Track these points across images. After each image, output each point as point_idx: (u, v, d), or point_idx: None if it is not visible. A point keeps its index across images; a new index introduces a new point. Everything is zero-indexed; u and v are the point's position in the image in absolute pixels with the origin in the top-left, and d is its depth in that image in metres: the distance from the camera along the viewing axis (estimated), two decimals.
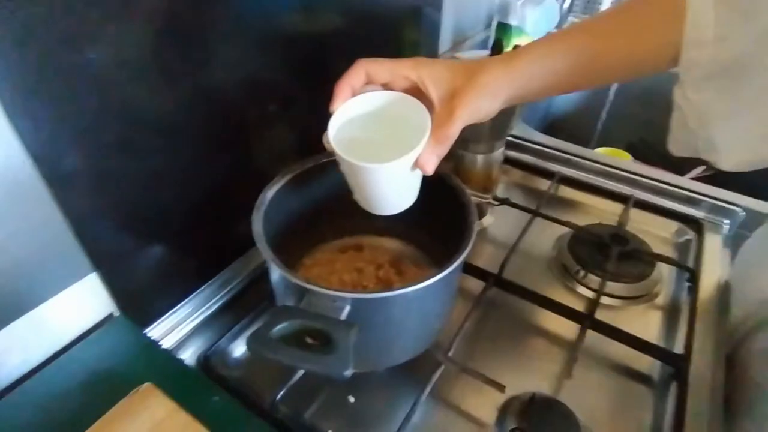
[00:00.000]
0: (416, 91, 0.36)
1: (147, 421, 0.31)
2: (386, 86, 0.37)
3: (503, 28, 0.81)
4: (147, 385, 0.33)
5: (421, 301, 0.38)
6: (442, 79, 0.35)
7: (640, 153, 1.13)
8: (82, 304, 0.39)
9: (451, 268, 0.36)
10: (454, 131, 0.35)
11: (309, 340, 0.34)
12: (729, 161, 0.35)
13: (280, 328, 0.32)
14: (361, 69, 0.36)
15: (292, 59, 0.51)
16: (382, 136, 0.38)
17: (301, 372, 0.44)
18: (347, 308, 0.34)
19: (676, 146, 0.37)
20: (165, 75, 0.38)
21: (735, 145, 0.34)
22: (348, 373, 0.30)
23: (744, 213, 0.64)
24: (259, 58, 0.47)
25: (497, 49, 0.55)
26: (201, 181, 0.46)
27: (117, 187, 0.38)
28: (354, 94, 0.37)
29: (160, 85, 0.39)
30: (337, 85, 0.36)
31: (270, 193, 0.43)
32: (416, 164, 0.35)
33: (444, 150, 0.35)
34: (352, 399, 0.45)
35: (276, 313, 0.33)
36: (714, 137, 0.34)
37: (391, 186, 0.38)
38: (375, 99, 0.37)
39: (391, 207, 0.40)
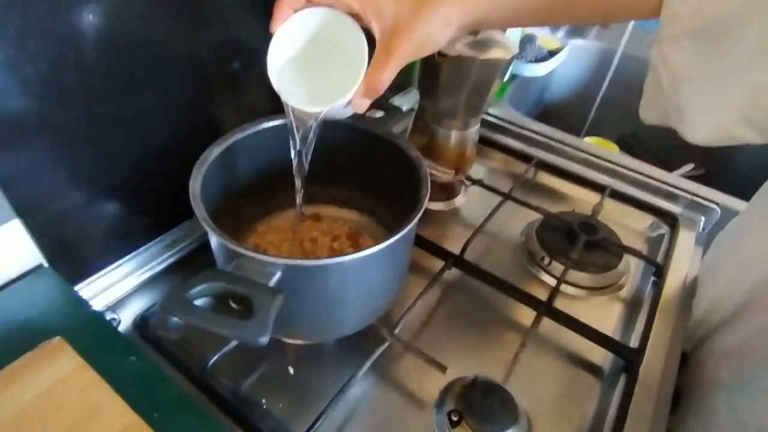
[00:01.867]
0: (360, 21, 0.34)
1: (51, 374, 0.30)
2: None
3: None
4: (57, 339, 0.31)
5: (359, 272, 0.36)
6: (386, 13, 0.33)
7: (630, 147, 1.11)
8: (4, 252, 0.37)
9: (391, 241, 0.34)
10: (386, 78, 0.33)
11: (234, 306, 0.32)
12: (696, 133, 0.33)
13: (199, 289, 0.30)
14: None
15: (265, 18, 0.48)
16: (321, 60, 0.38)
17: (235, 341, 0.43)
18: (278, 274, 0.33)
19: (647, 111, 0.36)
20: (118, 15, 0.36)
21: (704, 116, 0.32)
22: (264, 340, 0.28)
23: (720, 211, 0.63)
24: (226, 12, 0.44)
25: None
26: (151, 134, 0.44)
27: (46, 132, 0.36)
28: None
29: (113, 25, 0.36)
30: (276, 4, 0.34)
31: (217, 149, 0.41)
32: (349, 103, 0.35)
33: (376, 95, 0.34)
34: (292, 370, 0.44)
35: (200, 274, 0.31)
36: (685, 104, 0.33)
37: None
38: (314, 17, 0.36)
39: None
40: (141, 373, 0.32)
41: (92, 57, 0.36)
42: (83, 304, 0.38)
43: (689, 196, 0.65)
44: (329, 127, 0.48)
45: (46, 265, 0.39)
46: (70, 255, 0.41)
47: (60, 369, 0.30)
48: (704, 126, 0.33)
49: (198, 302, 0.31)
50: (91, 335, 0.34)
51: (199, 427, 0.31)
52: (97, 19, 0.35)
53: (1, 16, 0.30)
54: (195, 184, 0.37)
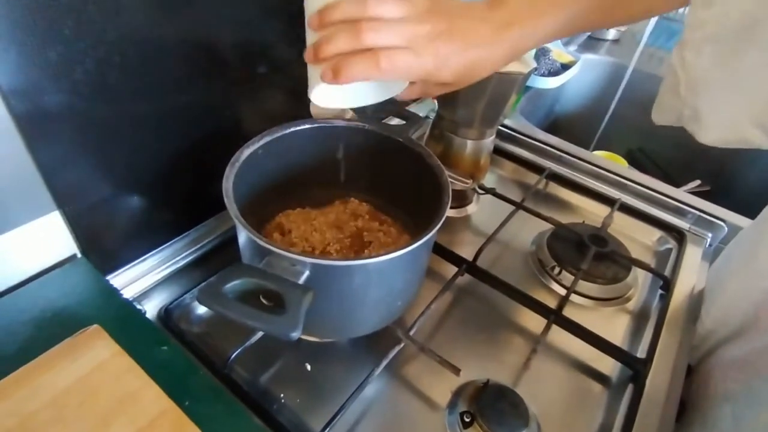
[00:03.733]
0: None
1: (89, 361, 0.31)
2: None
3: None
4: (95, 326, 0.33)
5: (382, 274, 0.38)
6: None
7: (638, 162, 1.13)
8: (43, 241, 0.38)
9: (414, 245, 0.35)
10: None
11: (264, 301, 0.34)
12: (709, 135, 0.34)
13: (233, 284, 0.32)
14: None
15: (293, 26, 0.50)
16: None
17: (258, 335, 0.44)
18: (306, 273, 0.34)
19: (660, 113, 0.38)
20: (152, 18, 0.37)
21: (720, 119, 0.34)
22: (295, 335, 0.30)
23: (727, 228, 0.64)
24: (255, 18, 0.46)
25: None
26: (182, 134, 0.45)
27: (88, 130, 0.37)
28: None
29: (146, 29, 0.37)
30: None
31: (247, 151, 0.43)
32: None
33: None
34: (309, 367, 0.45)
35: (233, 269, 0.33)
36: (701, 107, 0.34)
37: None
38: None
39: None
40: (172, 362, 0.34)
41: (133, 59, 0.37)
42: (116, 293, 0.39)
43: (697, 213, 0.66)
44: (351, 133, 0.50)
45: (79, 255, 0.41)
46: (101, 247, 0.43)
47: (97, 355, 0.31)
48: (718, 128, 0.34)
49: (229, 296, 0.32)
50: (125, 324, 0.35)
51: (227, 416, 0.32)
52: (139, 23, 0.37)
53: (58, 18, 0.31)
54: (228, 184, 0.38)
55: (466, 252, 0.56)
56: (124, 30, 0.36)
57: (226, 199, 0.37)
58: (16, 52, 0.31)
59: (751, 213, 0.67)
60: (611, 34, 1.22)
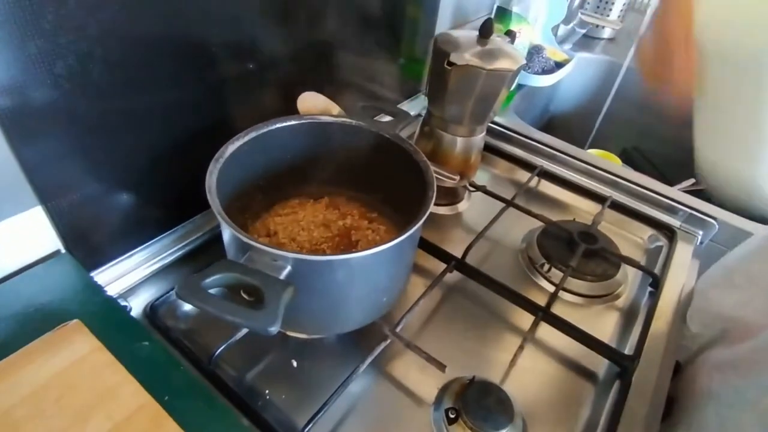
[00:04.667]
0: None
1: (68, 356, 0.31)
2: None
3: (503, 13, 0.79)
4: (75, 321, 0.33)
5: (366, 269, 0.38)
6: None
7: (633, 160, 1.12)
8: (25, 236, 0.38)
9: (396, 240, 0.35)
10: None
11: (245, 296, 0.34)
12: None
13: (213, 278, 0.32)
14: None
15: (282, 23, 0.50)
16: None
17: (243, 332, 0.44)
18: (288, 268, 0.34)
19: None
20: (135, 12, 0.37)
21: None
22: (273, 329, 0.30)
23: (718, 226, 0.64)
24: (245, 16, 0.46)
25: (485, 28, 0.54)
26: (168, 129, 0.45)
27: (71, 125, 0.37)
28: None
29: (130, 23, 0.37)
30: None
31: (232, 147, 0.43)
32: None
33: None
34: (295, 363, 0.45)
35: (214, 265, 0.33)
36: None
37: None
38: None
39: None
40: (153, 357, 0.34)
41: (116, 53, 0.37)
42: (99, 289, 0.39)
43: (688, 210, 0.66)
44: (340, 129, 0.49)
45: (63, 251, 0.41)
46: (86, 243, 0.43)
47: (77, 350, 0.31)
48: None
49: (211, 291, 0.32)
50: (107, 320, 0.35)
51: (208, 412, 0.32)
52: (122, 17, 0.36)
53: (37, 11, 0.31)
54: (211, 179, 0.38)
55: (456, 249, 0.56)
56: (106, 24, 0.36)
57: (208, 195, 0.37)
58: None
59: (744, 212, 0.67)
60: (606, 32, 1.22)
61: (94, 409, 0.29)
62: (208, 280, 0.31)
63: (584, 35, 1.22)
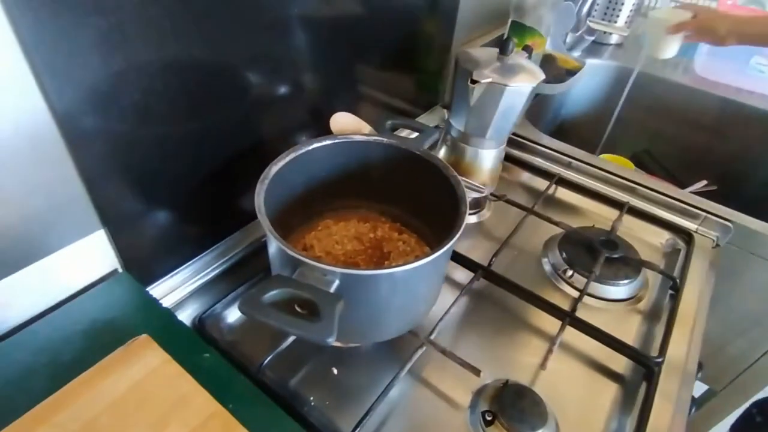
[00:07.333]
0: None
1: (141, 369, 0.33)
2: None
3: (517, 27, 0.81)
4: (144, 336, 0.35)
5: (407, 282, 0.40)
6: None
7: (645, 164, 1.14)
8: (89, 258, 0.41)
9: (436, 254, 0.38)
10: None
11: (298, 309, 0.36)
12: None
13: (271, 294, 0.34)
14: None
15: (309, 43, 0.53)
16: None
17: (288, 341, 0.46)
18: (336, 282, 0.36)
19: None
20: (184, 46, 0.40)
21: None
22: (331, 340, 0.32)
23: (734, 228, 0.66)
24: (276, 40, 0.49)
25: (506, 47, 0.56)
26: (210, 153, 0.48)
27: (130, 151, 0.40)
28: None
29: (181, 56, 0.40)
30: None
31: (275, 168, 0.45)
32: None
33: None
34: (335, 371, 0.48)
35: (270, 281, 0.35)
36: None
37: None
38: None
39: None
40: (215, 368, 0.36)
41: (172, 87, 0.40)
42: (158, 304, 0.42)
43: (704, 214, 0.68)
44: (372, 147, 0.52)
45: (121, 270, 0.44)
46: (140, 262, 0.45)
47: (148, 363, 0.34)
48: None
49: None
50: (169, 333, 0.38)
51: (269, 418, 0.34)
52: (178, 55, 0.39)
53: (109, 51, 0.34)
54: (259, 200, 0.41)
55: (481, 257, 0.58)
56: (166, 62, 0.39)
57: (259, 215, 0.40)
58: (72, 84, 0.33)
59: (757, 212, 0.68)
60: (614, 38, 1.24)
61: (170, 417, 0.31)
62: (267, 296, 0.34)
63: (593, 42, 1.24)
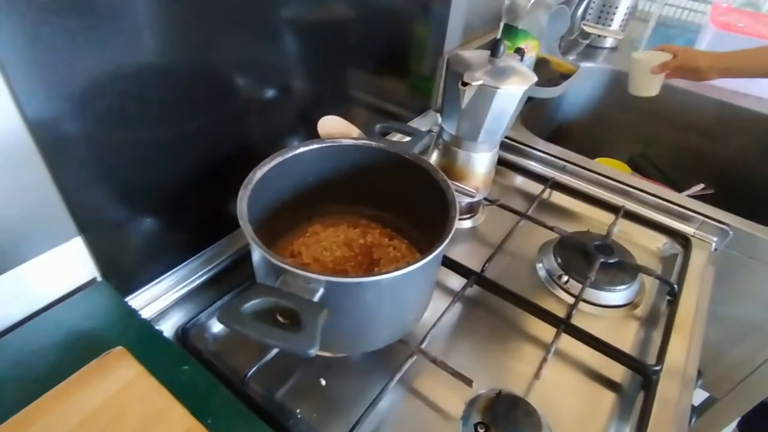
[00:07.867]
0: None
1: (115, 382, 0.32)
2: None
3: (509, 31, 0.81)
4: (119, 348, 0.34)
5: (394, 289, 0.39)
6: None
7: (641, 168, 1.13)
8: (65, 266, 0.40)
9: (425, 261, 0.37)
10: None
11: (281, 319, 0.35)
12: None
13: (252, 303, 0.33)
14: None
15: (298, 47, 0.52)
16: None
17: (273, 352, 0.45)
18: (321, 290, 0.35)
19: None
20: (165, 48, 0.39)
21: None
22: (312, 352, 0.31)
23: (732, 232, 0.65)
24: (265, 43, 0.48)
25: (496, 48, 0.56)
26: (193, 158, 0.47)
27: (108, 156, 0.39)
28: None
29: (159, 59, 0.39)
30: None
31: (260, 173, 0.44)
32: None
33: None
34: (323, 382, 0.46)
35: (251, 290, 0.34)
36: None
37: None
38: None
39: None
40: (193, 380, 0.35)
41: (149, 90, 0.39)
42: (136, 315, 0.41)
43: (701, 218, 0.67)
44: (360, 151, 0.51)
45: (99, 278, 0.42)
46: (119, 270, 0.44)
47: (123, 376, 0.32)
48: None
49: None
50: (146, 345, 0.37)
51: None
52: (156, 59, 0.38)
53: (81, 53, 0.33)
54: (242, 206, 0.40)
55: (473, 263, 0.57)
56: (142, 66, 0.37)
57: (240, 221, 0.38)
58: (43, 88, 0.32)
59: (755, 215, 0.67)
60: (608, 42, 1.23)
61: None
62: (247, 305, 0.33)
63: (587, 45, 1.24)
